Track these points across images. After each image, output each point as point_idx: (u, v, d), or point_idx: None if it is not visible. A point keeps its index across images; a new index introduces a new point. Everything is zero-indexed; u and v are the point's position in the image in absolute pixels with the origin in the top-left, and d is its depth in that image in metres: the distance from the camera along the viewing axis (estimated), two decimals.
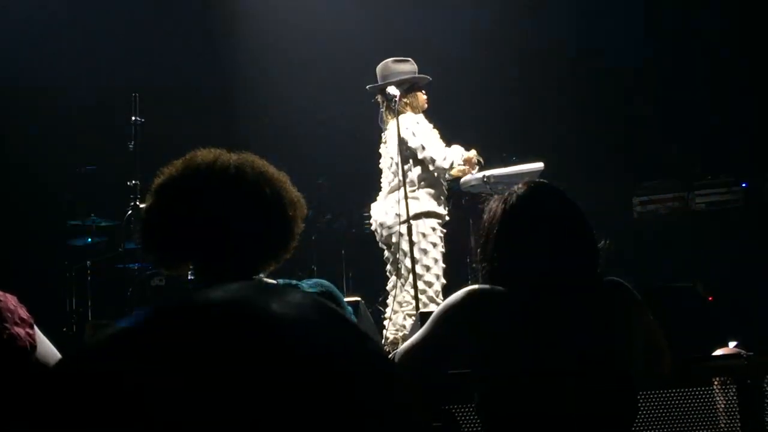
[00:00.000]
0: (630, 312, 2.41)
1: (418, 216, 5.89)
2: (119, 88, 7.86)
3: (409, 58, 6.20)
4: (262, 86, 9.48)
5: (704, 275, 7.41)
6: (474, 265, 6.84)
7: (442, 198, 6.05)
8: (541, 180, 2.69)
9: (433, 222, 5.95)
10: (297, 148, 8.90)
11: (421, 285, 5.75)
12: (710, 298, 7.07)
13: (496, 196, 2.56)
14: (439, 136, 6.02)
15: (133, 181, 6.63)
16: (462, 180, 6.49)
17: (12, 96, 8.74)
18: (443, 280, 5.84)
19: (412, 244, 5.66)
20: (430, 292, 5.77)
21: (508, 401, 2.34)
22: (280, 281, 2.23)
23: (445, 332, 2.42)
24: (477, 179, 6.31)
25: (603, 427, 2.32)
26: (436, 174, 6.00)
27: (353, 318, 2.34)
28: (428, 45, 9.27)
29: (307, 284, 2.23)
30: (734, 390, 3.17)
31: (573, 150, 9.42)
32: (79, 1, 9.14)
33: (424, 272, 5.84)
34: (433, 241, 5.91)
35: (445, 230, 5.97)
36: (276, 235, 2.21)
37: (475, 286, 2.44)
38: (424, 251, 5.87)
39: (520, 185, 2.54)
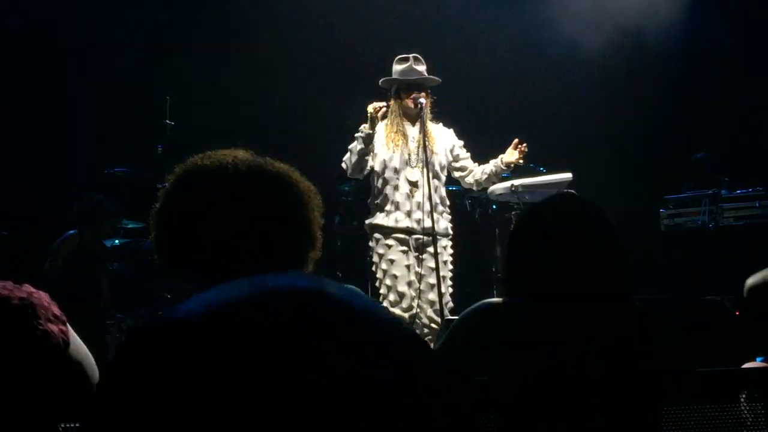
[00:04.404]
0: (659, 344, 2.36)
1: (368, 228, 6.02)
2: (151, 91, 7.92)
3: (411, 56, 5.98)
4: (290, 92, 9.51)
5: (732, 290, 7.34)
6: (500, 275, 6.81)
7: (389, 207, 5.88)
8: (569, 191, 2.64)
9: (377, 234, 5.93)
10: (323, 155, 8.93)
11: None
12: (737, 313, 7.01)
13: (524, 210, 2.52)
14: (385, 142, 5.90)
15: (163, 184, 6.66)
16: (489, 189, 6.47)
17: (43, 95, 8.82)
18: (404, 288, 5.75)
19: (436, 255, 5.64)
20: (385, 302, 5.72)
21: (519, 419, 2.30)
22: None
23: (456, 349, 2.39)
24: (505, 188, 6.28)
25: None
26: (377, 183, 5.95)
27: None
28: (458, 51, 9.29)
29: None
30: (762, 405, 3.14)
31: (601, 162, 9.39)
32: (110, 4, 9.22)
33: (381, 285, 5.87)
34: (379, 252, 5.88)
35: (399, 236, 5.85)
36: (298, 232, 2.08)
37: (486, 301, 2.40)
38: (374, 263, 5.95)
39: (548, 197, 2.51)
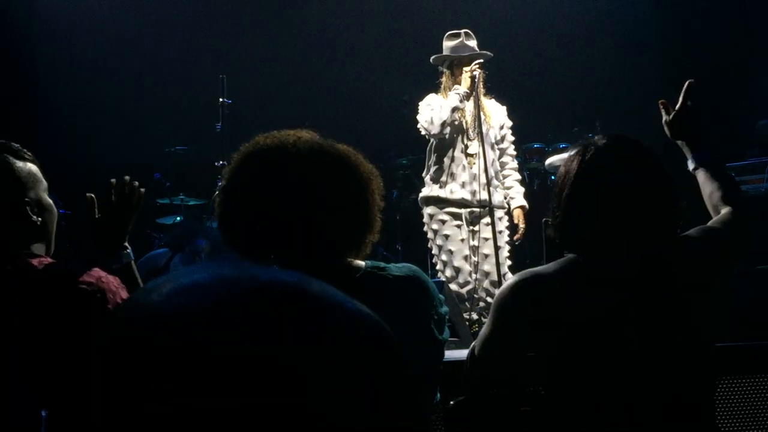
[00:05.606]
0: (710, 268, 2.29)
1: (422, 202, 5.95)
2: (208, 69, 7.99)
3: (462, 32, 5.90)
4: (346, 65, 9.51)
5: None
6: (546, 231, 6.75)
7: (445, 179, 5.80)
8: (623, 134, 2.53)
9: (430, 209, 5.86)
10: (381, 128, 8.92)
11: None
12: None
13: (572, 152, 2.45)
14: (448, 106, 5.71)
15: (221, 162, 6.74)
16: (547, 161, 6.41)
17: (105, 76, 8.94)
18: (461, 263, 5.70)
19: (494, 228, 5.63)
20: (442, 277, 5.66)
21: (571, 385, 2.27)
22: (368, 263, 2.20)
23: (500, 325, 2.36)
24: (562, 159, 6.21)
25: (678, 407, 2.21)
26: (434, 155, 5.87)
27: (442, 298, 2.29)
28: (510, 21, 9.21)
29: (396, 266, 2.21)
30: None
31: (660, 129, 9.25)
32: None
33: (438, 261, 5.84)
34: (434, 228, 5.83)
35: (453, 211, 5.78)
36: (356, 215, 2.12)
37: (523, 274, 2.34)
38: (428, 240, 5.91)
39: (599, 138, 2.42)
